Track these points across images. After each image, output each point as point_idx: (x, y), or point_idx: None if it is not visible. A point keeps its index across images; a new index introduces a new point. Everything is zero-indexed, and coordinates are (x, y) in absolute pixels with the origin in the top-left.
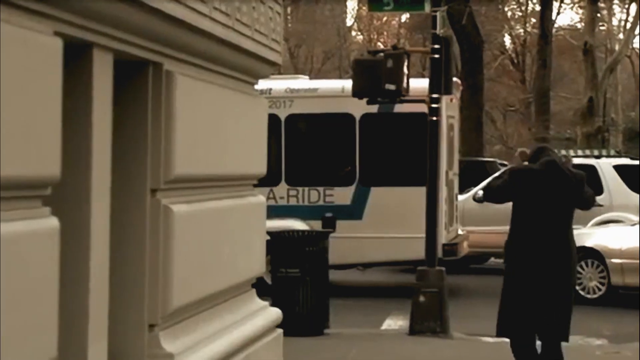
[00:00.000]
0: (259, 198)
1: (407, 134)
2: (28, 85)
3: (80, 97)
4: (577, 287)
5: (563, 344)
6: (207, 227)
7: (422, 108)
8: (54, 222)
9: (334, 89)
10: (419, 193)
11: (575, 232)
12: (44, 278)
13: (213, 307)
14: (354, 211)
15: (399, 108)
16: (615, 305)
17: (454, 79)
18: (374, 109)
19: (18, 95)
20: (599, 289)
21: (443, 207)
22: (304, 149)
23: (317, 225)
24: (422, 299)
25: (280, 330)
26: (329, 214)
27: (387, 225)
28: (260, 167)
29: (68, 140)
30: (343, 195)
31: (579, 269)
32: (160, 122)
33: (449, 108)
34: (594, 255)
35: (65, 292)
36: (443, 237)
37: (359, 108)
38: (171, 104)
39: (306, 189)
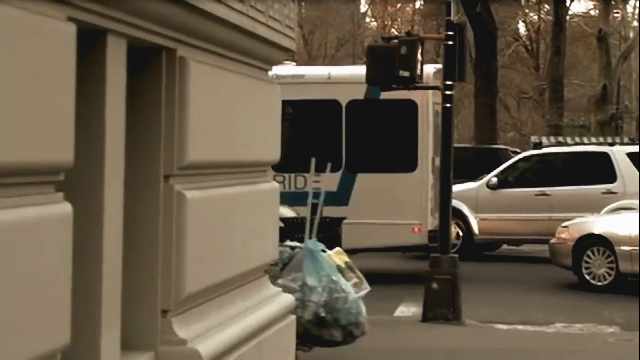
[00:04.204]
0: (272, 184)
1: (393, 121)
2: (41, 71)
3: (94, 84)
4: (586, 275)
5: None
6: (220, 214)
7: (409, 95)
8: (67, 207)
9: (321, 76)
10: (405, 179)
11: (583, 219)
12: (56, 264)
13: (226, 293)
14: (340, 197)
15: (385, 95)
16: (623, 292)
17: (436, 65)
18: (360, 95)
19: (31, 81)
20: (609, 275)
21: (429, 193)
22: (290, 135)
23: (303, 211)
24: (434, 285)
25: (293, 317)
26: (315, 200)
27: (373, 212)
28: (273, 153)
29: (81, 126)
30: (329, 181)
31: (587, 257)
32: (173, 108)
33: (435, 95)
34: (603, 242)
35: (78, 278)
36: (429, 224)
37: (345, 95)
38: (184, 90)
39: (292, 175)
